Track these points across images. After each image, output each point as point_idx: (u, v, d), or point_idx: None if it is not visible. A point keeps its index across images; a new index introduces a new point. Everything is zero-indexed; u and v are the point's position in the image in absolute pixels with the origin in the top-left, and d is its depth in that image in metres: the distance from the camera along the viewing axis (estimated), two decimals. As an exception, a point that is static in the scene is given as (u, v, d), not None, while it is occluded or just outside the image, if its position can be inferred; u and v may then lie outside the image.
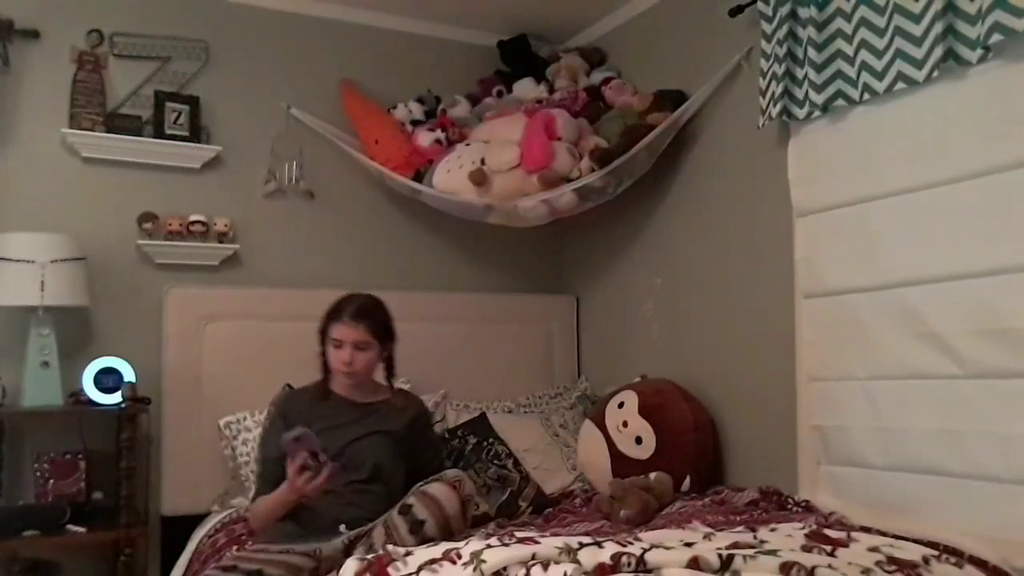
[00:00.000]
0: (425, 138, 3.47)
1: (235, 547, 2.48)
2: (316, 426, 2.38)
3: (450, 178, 3.27)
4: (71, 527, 2.74)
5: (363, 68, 3.65)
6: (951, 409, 2.32)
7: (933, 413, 2.37)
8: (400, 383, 2.86)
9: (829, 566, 1.69)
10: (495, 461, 3.08)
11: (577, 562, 1.65)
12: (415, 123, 3.57)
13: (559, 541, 1.74)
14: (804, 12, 2.66)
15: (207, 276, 3.29)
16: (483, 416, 3.28)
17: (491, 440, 3.16)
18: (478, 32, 3.86)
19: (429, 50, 3.80)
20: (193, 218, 3.22)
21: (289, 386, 3.11)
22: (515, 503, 2.95)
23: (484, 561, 1.64)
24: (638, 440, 2.99)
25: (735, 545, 1.80)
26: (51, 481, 2.90)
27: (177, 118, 3.23)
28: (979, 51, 2.21)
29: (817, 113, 2.67)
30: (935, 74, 2.32)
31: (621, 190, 3.25)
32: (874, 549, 1.84)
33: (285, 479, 2.35)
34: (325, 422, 2.47)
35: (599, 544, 1.73)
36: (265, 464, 2.52)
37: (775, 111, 2.76)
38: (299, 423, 2.37)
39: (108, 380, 2.90)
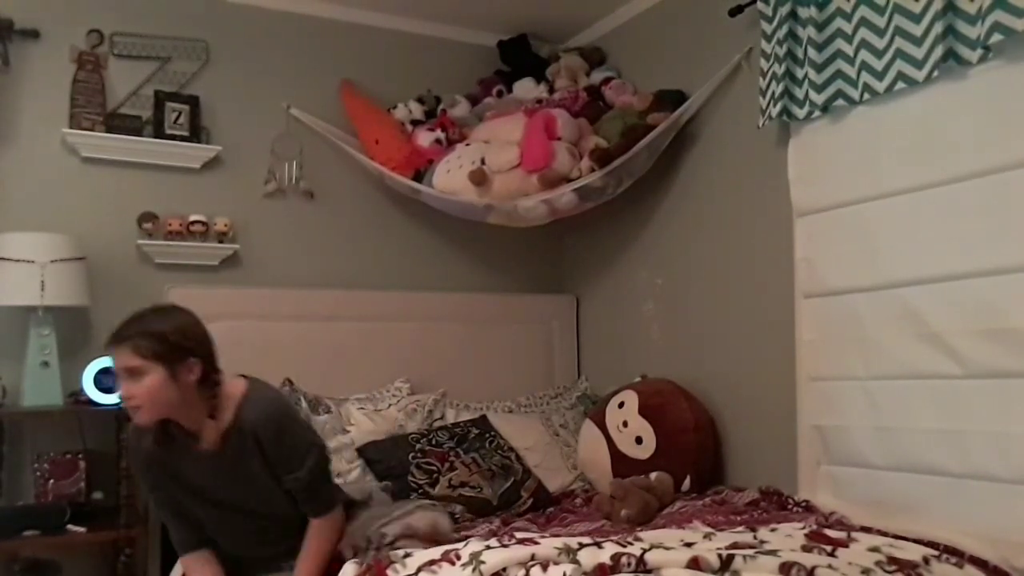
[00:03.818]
0: (425, 138, 3.47)
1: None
2: (182, 484, 2.18)
3: (450, 178, 3.27)
4: (71, 527, 2.74)
5: (363, 68, 3.64)
6: (951, 409, 2.32)
7: (933, 413, 2.37)
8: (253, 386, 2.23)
9: (829, 566, 1.70)
10: (499, 451, 3.09)
11: (576, 562, 1.65)
12: (415, 123, 3.57)
13: (558, 542, 1.74)
14: (804, 12, 2.66)
15: (207, 276, 3.28)
16: (483, 418, 3.29)
17: (492, 433, 3.18)
18: (478, 32, 3.86)
19: (429, 50, 3.80)
20: (193, 218, 3.22)
21: (289, 381, 3.10)
22: (517, 492, 2.95)
23: (483, 562, 1.64)
24: (638, 440, 2.99)
25: (735, 545, 1.80)
26: (51, 481, 2.89)
27: (177, 118, 3.23)
28: (979, 51, 2.21)
29: (817, 113, 2.66)
30: (935, 74, 2.32)
31: (621, 190, 3.25)
32: (874, 549, 1.84)
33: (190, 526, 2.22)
34: (189, 479, 2.18)
35: (599, 544, 1.73)
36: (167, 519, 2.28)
37: (775, 111, 2.76)
38: (163, 478, 2.19)
39: (108, 380, 2.88)
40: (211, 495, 2.18)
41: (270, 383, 2.30)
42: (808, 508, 2.50)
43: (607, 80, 3.54)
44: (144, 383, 2.01)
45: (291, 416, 2.23)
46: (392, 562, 1.75)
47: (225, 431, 2.12)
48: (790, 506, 2.55)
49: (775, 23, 2.76)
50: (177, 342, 2.04)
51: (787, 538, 1.90)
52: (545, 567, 1.63)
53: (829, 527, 2.08)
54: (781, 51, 2.72)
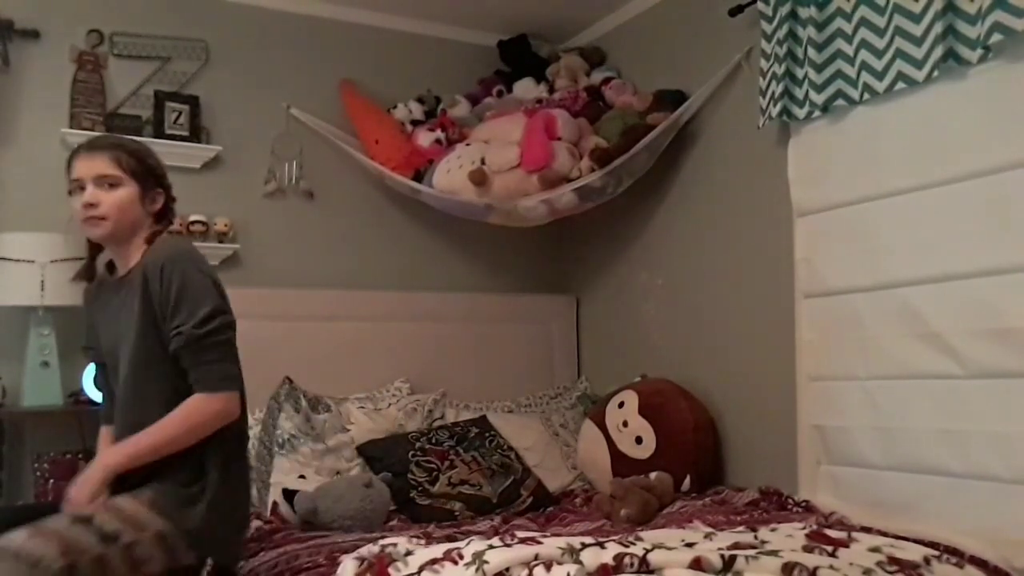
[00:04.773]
0: (425, 138, 3.47)
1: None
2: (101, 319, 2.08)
3: (450, 178, 3.27)
4: (71, 527, 2.74)
5: (363, 68, 3.64)
6: (951, 409, 2.33)
7: (933, 413, 2.37)
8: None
9: (831, 567, 1.70)
10: (498, 450, 3.10)
11: (579, 563, 1.64)
12: (415, 123, 3.58)
13: (561, 541, 1.74)
14: (804, 12, 2.66)
15: (207, 276, 3.28)
16: (483, 418, 3.29)
17: (492, 433, 3.19)
18: (478, 32, 3.86)
19: (429, 50, 3.80)
20: (193, 218, 3.22)
21: (289, 380, 3.11)
22: (517, 491, 2.95)
23: (487, 562, 1.64)
24: (638, 440, 2.99)
25: (736, 545, 1.80)
26: (51, 481, 2.89)
27: (177, 118, 3.23)
28: (979, 51, 2.22)
29: (817, 113, 2.67)
30: (935, 74, 2.32)
31: (621, 190, 3.26)
32: (875, 549, 1.84)
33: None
34: (105, 315, 2.08)
35: (601, 544, 1.73)
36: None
37: (775, 111, 2.76)
38: (92, 329, 2.13)
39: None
40: (106, 346, 2.07)
41: (194, 245, 2.19)
42: (808, 508, 2.50)
43: (607, 80, 3.54)
44: (117, 194, 1.98)
45: (188, 260, 1.97)
46: (393, 560, 1.74)
47: (130, 269, 2.02)
48: (790, 506, 2.55)
49: (775, 23, 2.76)
50: (152, 168, 2.07)
51: (788, 538, 1.90)
52: (548, 567, 1.62)
53: (829, 527, 2.08)
54: (781, 51, 2.72)
